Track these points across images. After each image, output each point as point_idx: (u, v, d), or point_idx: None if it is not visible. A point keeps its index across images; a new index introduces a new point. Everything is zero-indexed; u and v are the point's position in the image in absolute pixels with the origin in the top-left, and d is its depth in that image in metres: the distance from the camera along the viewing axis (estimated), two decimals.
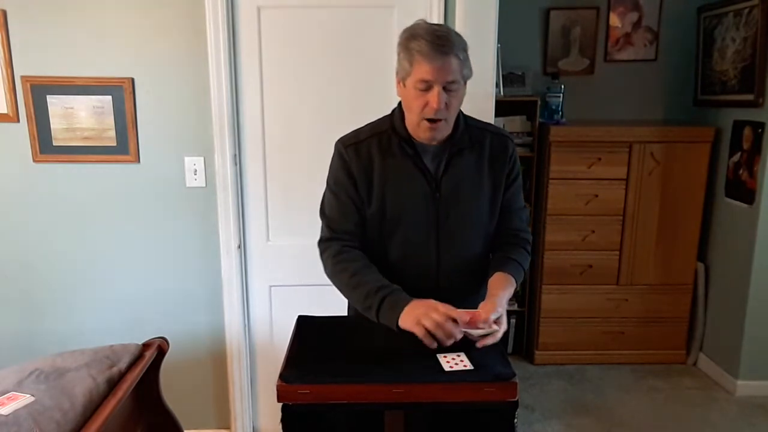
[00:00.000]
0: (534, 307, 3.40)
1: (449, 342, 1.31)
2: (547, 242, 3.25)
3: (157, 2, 2.21)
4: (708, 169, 3.16)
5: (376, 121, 1.59)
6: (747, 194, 2.91)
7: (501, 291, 1.44)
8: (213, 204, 2.37)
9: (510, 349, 3.49)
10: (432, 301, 1.36)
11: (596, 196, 3.18)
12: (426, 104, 1.41)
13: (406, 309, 1.36)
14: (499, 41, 2.30)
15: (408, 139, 1.51)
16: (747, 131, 2.91)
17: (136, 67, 2.25)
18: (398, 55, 1.44)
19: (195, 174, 2.35)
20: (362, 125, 1.60)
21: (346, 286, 1.51)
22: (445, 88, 1.39)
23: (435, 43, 1.36)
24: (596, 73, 3.47)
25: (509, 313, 3.39)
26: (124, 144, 2.30)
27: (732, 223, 3.06)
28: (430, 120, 1.43)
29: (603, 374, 3.26)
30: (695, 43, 3.35)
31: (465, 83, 1.47)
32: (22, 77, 2.23)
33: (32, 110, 2.25)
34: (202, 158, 2.34)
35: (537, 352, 3.39)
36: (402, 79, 1.45)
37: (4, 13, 2.18)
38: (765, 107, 2.79)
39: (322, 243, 1.59)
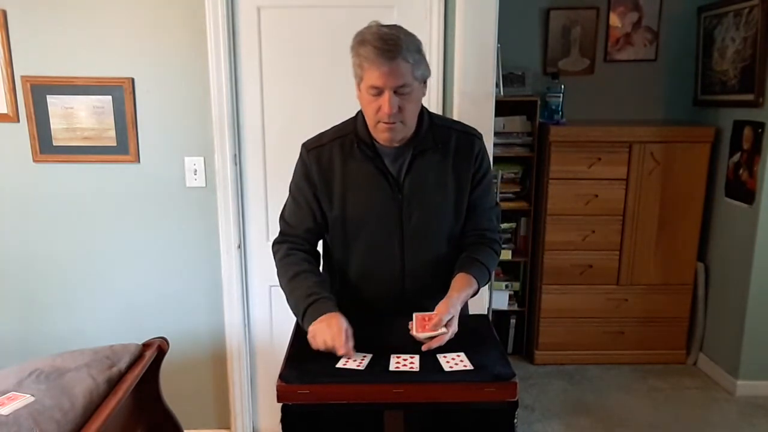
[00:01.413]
0: (534, 307, 3.40)
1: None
2: (547, 242, 3.25)
3: (157, 2, 2.21)
4: (708, 169, 3.16)
5: (341, 123, 1.60)
6: (747, 194, 2.91)
7: (457, 293, 1.44)
8: (213, 204, 2.37)
9: (510, 349, 3.49)
10: (333, 321, 1.36)
11: (596, 196, 3.18)
12: (379, 109, 1.41)
13: (314, 323, 1.38)
14: (499, 41, 2.30)
15: (369, 142, 1.51)
16: (747, 131, 2.91)
17: (136, 67, 2.25)
18: (351, 59, 1.44)
19: (195, 174, 2.35)
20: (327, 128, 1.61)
21: (285, 290, 1.53)
22: (396, 92, 1.39)
23: (381, 48, 1.35)
24: (596, 73, 3.47)
25: (509, 313, 3.43)
26: (124, 144, 2.30)
27: (732, 223, 3.06)
28: (385, 121, 1.43)
29: (603, 374, 3.26)
30: (695, 43, 3.35)
31: (423, 83, 1.46)
32: (22, 77, 2.23)
33: (32, 110, 2.25)
34: (202, 158, 2.34)
35: (537, 352, 3.39)
36: (357, 84, 1.46)
37: (4, 13, 2.18)
38: (765, 107, 2.79)
39: (274, 246, 1.61)
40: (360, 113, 1.54)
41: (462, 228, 1.60)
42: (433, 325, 1.36)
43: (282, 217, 1.64)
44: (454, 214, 1.56)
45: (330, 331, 1.34)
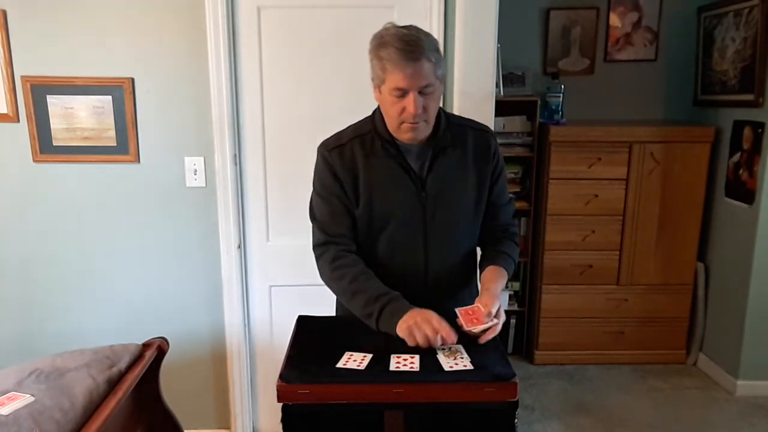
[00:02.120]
0: (534, 307, 3.40)
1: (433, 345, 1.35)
2: (547, 242, 3.25)
3: (157, 2, 2.21)
4: (708, 169, 3.16)
5: (357, 123, 1.60)
6: (747, 194, 2.91)
7: (494, 284, 1.48)
8: (213, 204, 2.37)
9: (510, 349, 3.49)
10: (428, 314, 1.38)
11: (596, 196, 3.18)
12: (403, 110, 1.41)
13: (404, 318, 1.38)
14: (499, 41, 2.30)
15: (390, 140, 1.52)
16: (747, 131, 2.91)
17: (136, 67, 2.25)
18: (371, 62, 1.44)
19: (195, 174, 2.35)
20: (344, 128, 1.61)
21: (344, 293, 1.52)
22: (420, 92, 1.39)
23: (404, 50, 1.35)
24: (596, 73, 3.47)
25: (509, 313, 3.43)
26: (124, 144, 2.30)
27: (732, 223, 3.06)
28: (410, 122, 1.43)
29: (603, 374, 3.26)
30: (695, 43, 3.35)
31: (441, 82, 1.47)
32: (22, 77, 2.23)
33: (32, 110, 2.25)
34: (202, 158, 2.34)
35: (537, 352, 3.39)
36: (377, 86, 1.46)
37: (4, 13, 2.18)
38: (765, 107, 2.79)
39: (318, 248, 1.58)
40: (377, 111, 1.55)
41: (483, 225, 1.63)
42: (483, 317, 1.38)
43: (315, 219, 1.59)
44: (474, 212, 1.59)
45: (426, 321, 1.35)
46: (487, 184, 1.58)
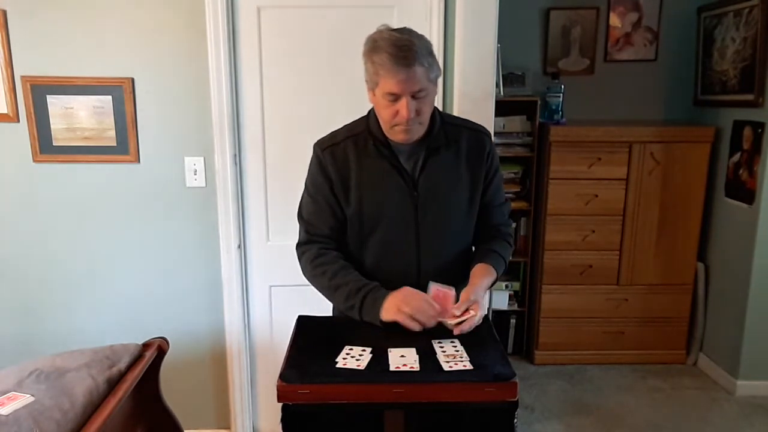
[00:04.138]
0: (534, 307, 3.40)
1: (431, 324, 1.39)
2: (547, 242, 3.25)
3: (157, 2, 2.21)
4: (708, 169, 3.16)
5: (352, 122, 1.60)
6: (747, 194, 2.91)
7: (479, 280, 1.49)
8: (213, 204, 2.37)
9: (510, 349, 3.49)
10: (408, 288, 1.43)
11: (596, 196, 3.18)
12: (396, 113, 1.42)
13: (386, 302, 1.42)
14: (499, 41, 2.30)
15: (383, 140, 1.52)
16: (747, 131, 2.91)
17: (136, 67, 2.25)
18: (364, 65, 1.44)
19: (195, 174, 2.35)
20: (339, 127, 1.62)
21: (326, 289, 1.55)
22: (413, 97, 1.40)
23: (397, 55, 1.35)
24: (596, 73, 3.47)
25: (509, 313, 3.43)
26: (124, 144, 2.30)
27: (732, 223, 3.06)
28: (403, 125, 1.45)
29: (603, 374, 3.26)
30: (695, 43, 3.35)
31: (435, 84, 1.47)
32: (22, 77, 2.23)
33: (32, 110, 2.25)
34: (202, 158, 2.34)
35: (537, 352, 3.39)
36: (371, 89, 1.46)
37: (4, 13, 2.18)
38: (765, 107, 2.79)
39: (300, 246, 1.62)
40: (371, 112, 1.55)
41: (476, 225, 1.63)
42: (459, 310, 1.39)
43: (301, 217, 1.63)
44: (467, 212, 1.59)
45: (410, 295, 1.40)
46: (480, 185, 1.58)
